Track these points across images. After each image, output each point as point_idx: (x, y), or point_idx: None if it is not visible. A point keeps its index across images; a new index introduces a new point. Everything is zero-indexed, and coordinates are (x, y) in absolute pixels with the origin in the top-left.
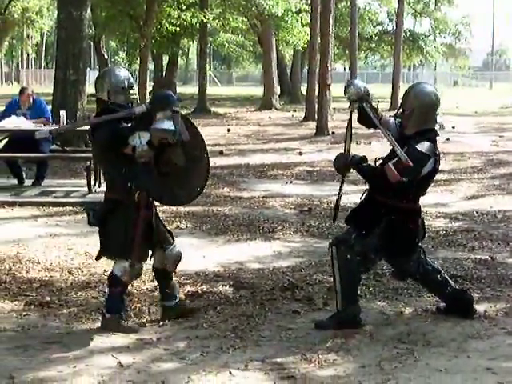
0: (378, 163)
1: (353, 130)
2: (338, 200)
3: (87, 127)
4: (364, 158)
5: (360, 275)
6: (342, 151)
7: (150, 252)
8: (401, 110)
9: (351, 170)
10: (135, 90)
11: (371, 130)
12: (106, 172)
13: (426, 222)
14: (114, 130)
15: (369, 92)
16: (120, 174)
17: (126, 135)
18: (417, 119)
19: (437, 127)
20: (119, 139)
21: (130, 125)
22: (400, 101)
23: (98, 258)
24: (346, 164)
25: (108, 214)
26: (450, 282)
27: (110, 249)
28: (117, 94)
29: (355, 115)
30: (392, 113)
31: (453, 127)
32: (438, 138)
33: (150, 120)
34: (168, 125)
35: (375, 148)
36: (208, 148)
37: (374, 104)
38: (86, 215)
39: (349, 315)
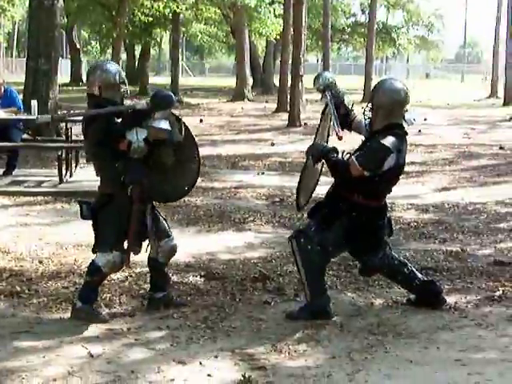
0: (346, 157)
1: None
2: (300, 186)
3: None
4: (335, 149)
5: (323, 265)
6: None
7: (144, 245)
8: (370, 106)
9: (321, 160)
10: (126, 85)
11: None
12: (99, 167)
13: (398, 214)
14: (110, 125)
15: (336, 83)
16: (113, 168)
17: (121, 131)
18: (384, 115)
19: (405, 124)
20: (114, 134)
21: (120, 120)
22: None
23: (94, 251)
24: (318, 154)
25: (101, 208)
26: (418, 274)
27: (97, 240)
28: (108, 90)
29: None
30: (364, 104)
31: (425, 119)
32: (406, 135)
33: (144, 118)
34: (166, 125)
35: (346, 139)
36: None
37: (349, 104)
38: (77, 208)
39: (318, 306)
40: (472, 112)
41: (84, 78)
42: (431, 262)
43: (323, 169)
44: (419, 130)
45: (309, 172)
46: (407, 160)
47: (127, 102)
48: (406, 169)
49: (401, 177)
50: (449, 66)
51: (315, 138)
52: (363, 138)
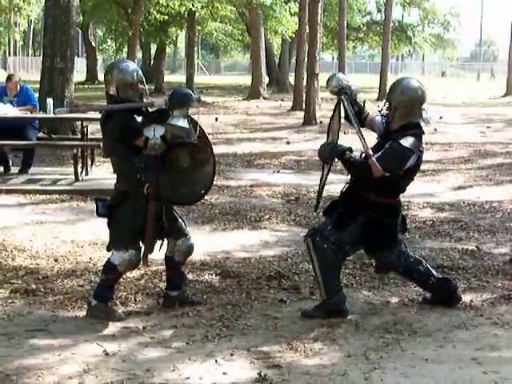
0: (363, 156)
1: (342, 121)
2: (320, 188)
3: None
4: (350, 149)
5: (339, 263)
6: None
7: (159, 243)
8: (387, 105)
9: (336, 160)
10: (144, 84)
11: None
12: (116, 163)
13: (413, 212)
14: (128, 121)
15: (350, 86)
16: (130, 165)
17: (139, 127)
18: (402, 114)
19: (422, 123)
20: (132, 131)
21: (141, 118)
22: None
23: (108, 248)
24: (331, 154)
25: (117, 206)
26: (433, 271)
27: (112, 238)
28: (126, 89)
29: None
30: (380, 103)
31: (440, 117)
32: (423, 134)
33: (164, 115)
34: (184, 123)
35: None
36: None
37: (361, 101)
38: (94, 205)
39: (334, 304)
40: (487, 110)
41: (100, 76)
42: (447, 260)
43: (338, 167)
44: (435, 129)
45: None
46: (423, 158)
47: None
48: (422, 167)
49: (416, 175)
50: (464, 65)
51: (328, 137)
52: (378, 137)
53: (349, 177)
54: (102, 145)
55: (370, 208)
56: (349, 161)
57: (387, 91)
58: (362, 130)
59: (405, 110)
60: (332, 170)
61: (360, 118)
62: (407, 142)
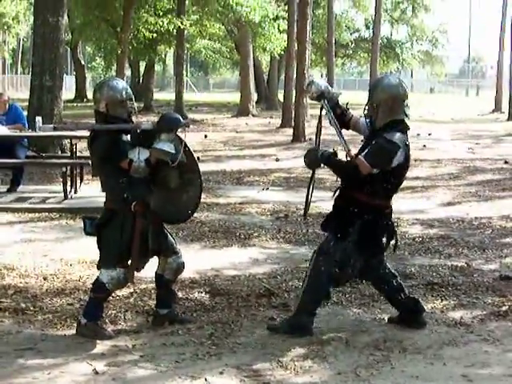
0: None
1: (332, 138)
2: (307, 195)
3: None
4: (334, 153)
5: (328, 289)
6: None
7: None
8: (369, 105)
9: (322, 166)
10: (134, 101)
11: (348, 137)
12: (104, 182)
13: (403, 229)
14: (114, 142)
15: (329, 90)
16: (117, 184)
17: (125, 149)
18: (385, 111)
19: (406, 119)
20: (118, 152)
21: (128, 137)
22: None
23: (98, 267)
24: (316, 159)
25: (105, 224)
26: (405, 289)
27: (102, 256)
28: (115, 107)
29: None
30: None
31: (429, 134)
32: (409, 129)
33: (151, 138)
34: (170, 147)
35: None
36: None
37: (343, 103)
38: (81, 224)
39: (302, 322)
40: (476, 127)
41: (89, 94)
42: (437, 277)
43: (327, 184)
44: (424, 145)
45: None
46: (412, 175)
47: (134, 119)
48: (411, 184)
49: (407, 192)
50: (453, 81)
51: (316, 144)
52: (363, 138)
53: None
54: (90, 163)
55: (366, 211)
56: (335, 164)
57: (369, 91)
58: (345, 131)
59: (387, 108)
60: (321, 187)
61: (344, 120)
62: (393, 136)
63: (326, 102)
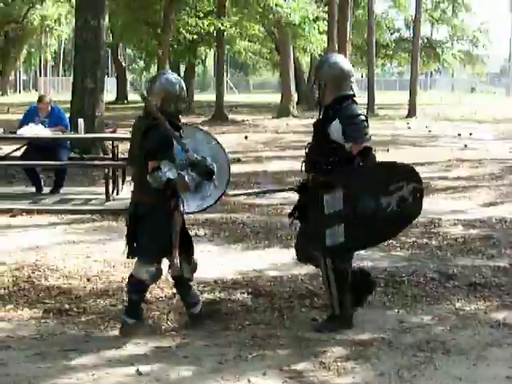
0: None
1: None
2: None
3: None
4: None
5: (349, 270)
6: None
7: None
8: (317, 83)
9: None
10: (186, 100)
11: (389, 137)
12: (145, 175)
13: (444, 230)
14: (169, 138)
15: None
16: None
17: (166, 153)
18: (332, 87)
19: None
20: (160, 150)
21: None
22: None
23: (129, 256)
24: None
25: (142, 218)
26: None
27: (138, 252)
28: (170, 103)
29: None
30: (409, 120)
31: (470, 134)
32: (357, 104)
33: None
34: (192, 186)
35: (392, 154)
36: None
37: None
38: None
39: (346, 317)
40: None
41: (130, 96)
42: (479, 277)
43: None
44: (465, 145)
45: None
46: (453, 175)
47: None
48: (452, 184)
49: (448, 192)
50: (494, 80)
51: None
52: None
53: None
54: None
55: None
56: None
57: (315, 71)
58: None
59: (334, 84)
60: None
61: None
62: (353, 110)
63: None
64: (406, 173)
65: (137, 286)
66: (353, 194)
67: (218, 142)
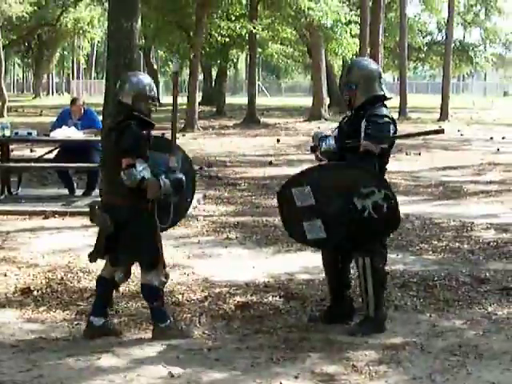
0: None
1: (400, 141)
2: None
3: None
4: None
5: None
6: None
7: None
8: (349, 86)
9: None
10: (156, 100)
11: (421, 141)
12: (117, 176)
13: (477, 234)
14: (140, 137)
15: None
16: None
17: (144, 150)
18: (364, 89)
19: (387, 94)
20: (138, 148)
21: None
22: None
23: (93, 259)
24: None
25: (128, 224)
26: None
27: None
28: (141, 102)
29: None
30: (441, 123)
31: (503, 138)
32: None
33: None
34: (167, 190)
35: (425, 158)
36: (257, 158)
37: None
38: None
39: (379, 320)
40: None
41: (161, 99)
42: None
43: None
44: (498, 149)
45: None
46: (485, 179)
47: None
48: (485, 188)
49: (481, 196)
50: None
51: None
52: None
53: None
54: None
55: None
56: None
57: (345, 75)
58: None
59: (365, 85)
60: (395, 190)
61: None
62: (379, 111)
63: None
64: (374, 178)
65: (155, 295)
66: (322, 190)
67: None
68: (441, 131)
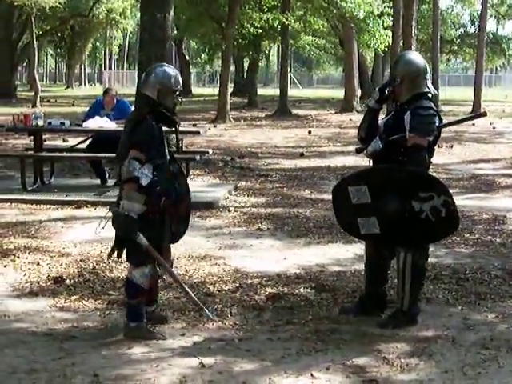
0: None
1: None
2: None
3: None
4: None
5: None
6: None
7: None
8: (395, 79)
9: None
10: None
11: (453, 133)
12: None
13: (509, 227)
14: (152, 137)
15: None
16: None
17: (153, 153)
18: (409, 85)
19: (432, 91)
20: (146, 142)
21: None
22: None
23: (110, 256)
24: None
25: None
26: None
27: (132, 254)
28: (166, 95)
29: None
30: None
31: None
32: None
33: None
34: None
35: (457, 151)
36: (289, 150)
37: None
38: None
39: (413, 315)
40: None
41: (194, 89)
42: None
43: None
44: None
45: None
46: None
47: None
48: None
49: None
50: None
51: None
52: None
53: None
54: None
55: None
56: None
57: (391, 68)
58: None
59: (411, 82)
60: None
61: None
62: (424, 103)
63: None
64: (433, 184)
65: (133, 291)
66: (378, 191)
67: None
68: (483, 114)
